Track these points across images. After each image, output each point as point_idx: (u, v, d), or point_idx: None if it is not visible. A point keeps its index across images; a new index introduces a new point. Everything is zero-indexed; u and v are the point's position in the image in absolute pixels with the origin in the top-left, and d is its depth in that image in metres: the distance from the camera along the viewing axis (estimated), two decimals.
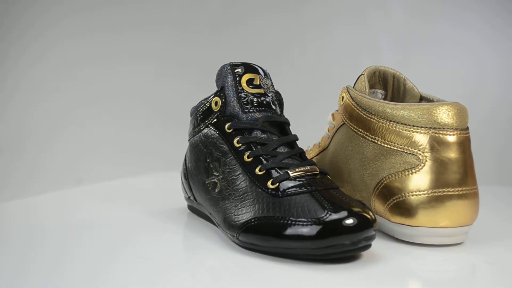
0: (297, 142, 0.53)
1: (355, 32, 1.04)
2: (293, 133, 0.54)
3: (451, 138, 0.49)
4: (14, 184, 0.81)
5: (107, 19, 0.92)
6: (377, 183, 0.52)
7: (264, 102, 0.53)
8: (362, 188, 0.53)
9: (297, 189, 0.47)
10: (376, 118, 0.52)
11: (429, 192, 0.49)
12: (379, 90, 0.58)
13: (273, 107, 0.53)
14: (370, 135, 0.52)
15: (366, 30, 1.04)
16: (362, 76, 0.56)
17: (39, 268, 0.45)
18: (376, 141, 0.52)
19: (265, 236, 0.46)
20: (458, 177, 0.49)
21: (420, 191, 0.49)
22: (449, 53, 0.97)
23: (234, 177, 0.51)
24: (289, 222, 0.45)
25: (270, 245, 0.46)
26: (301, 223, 0.44)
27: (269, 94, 0.53)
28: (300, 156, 0.51)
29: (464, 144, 0.49)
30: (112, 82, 0.93)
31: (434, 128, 0.49)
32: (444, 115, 0.49)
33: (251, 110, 0.52)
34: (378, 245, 0.49)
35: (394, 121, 0.51)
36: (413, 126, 0.50)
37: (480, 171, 0.84)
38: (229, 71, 0.53)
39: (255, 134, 0.51)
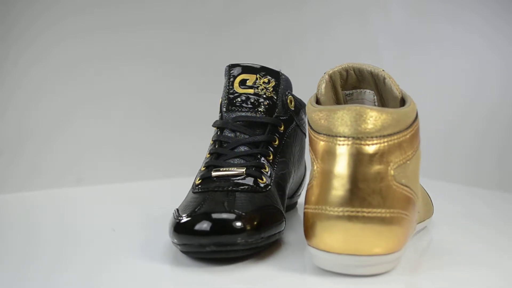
0: (272, 142, 0.52)
1: (355, 32, 1.04)
2: None
3: (339, 148, 0.41)
4: (14, 184, 0.81)
5: (107, 19, 0.92)
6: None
7: (249, 102, 0.53)
8: None
9: (205, 188, 0.47)
10: (309, 122, 0.46)
11: (312, 208, 0.42)
12: (367, 90, 0.52)
13: (263, 106, 0.53)
14: (309, 142, 0.47)
15: (366, 30, 1.04)
16: (324, 74, 0.50)
17: (37, 268, 0.46)
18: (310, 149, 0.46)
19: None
20: (339, 195, 0.40)
21: (308, 206, 0.43)
22: (449, 53, 0.97)
23: None
24: (176, 216, 0.45)
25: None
26: (176, 219, 0.45)
27: (263, 94, 0.54)
28: (254, 157, 0.51)
29: (356, 156, 0.41)
30: (112, 82, 0.94)
31: (328, 135, 0.42)
32: (338, 121, 0.41)
33: (232, 109, 0.53)
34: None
35: (310, 126, 0.45)
36: (316, 132, 0.43)
37: (479, 172, 0.84)
38: (226, 71, 0.54)
39: (224, 132, 0.52)
